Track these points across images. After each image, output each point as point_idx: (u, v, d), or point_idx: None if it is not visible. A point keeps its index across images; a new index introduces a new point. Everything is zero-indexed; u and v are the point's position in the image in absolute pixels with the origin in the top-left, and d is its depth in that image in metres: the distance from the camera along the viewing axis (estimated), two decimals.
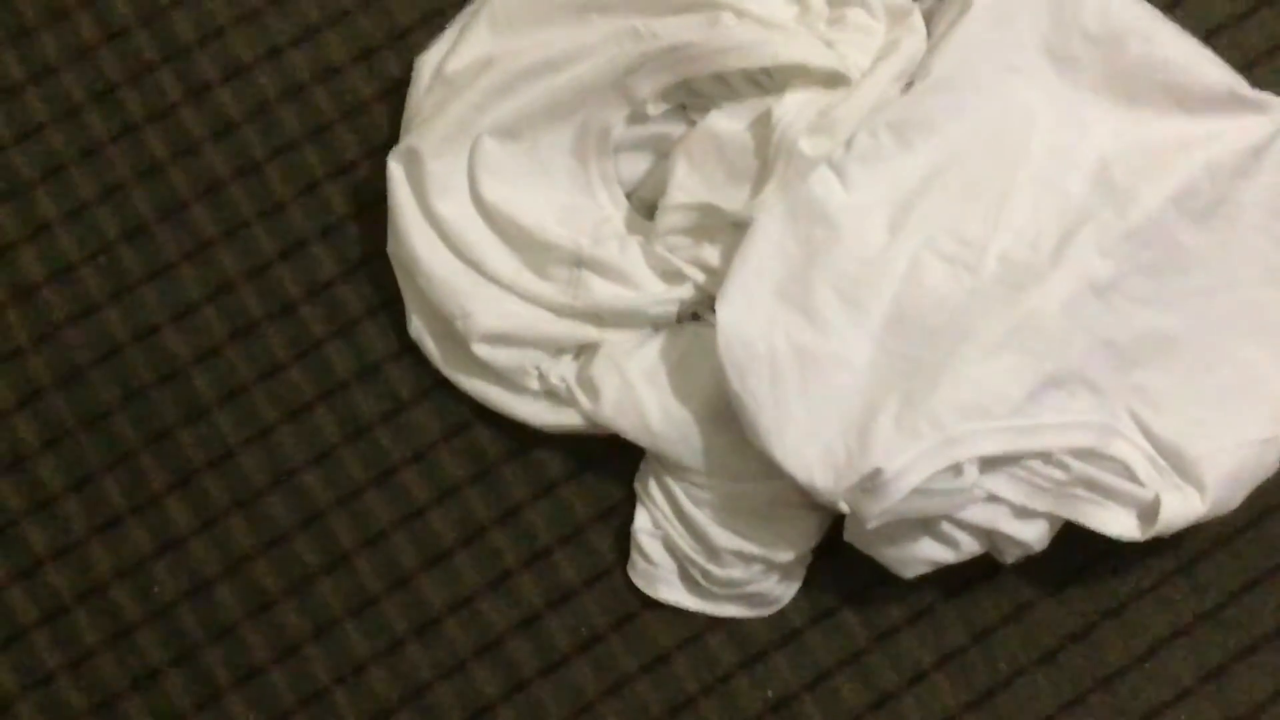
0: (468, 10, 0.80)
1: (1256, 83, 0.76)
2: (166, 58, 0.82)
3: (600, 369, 0.76)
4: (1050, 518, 0.73)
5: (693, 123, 0.77)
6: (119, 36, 0.82)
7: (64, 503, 0.77)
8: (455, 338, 0.76)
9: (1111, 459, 0.72)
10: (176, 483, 0.77)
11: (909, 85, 0.75)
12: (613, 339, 0.77)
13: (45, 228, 0.80)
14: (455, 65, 0.78)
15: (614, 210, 0.79)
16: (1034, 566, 0.75)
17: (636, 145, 0.78)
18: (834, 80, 0.75)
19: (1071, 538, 0.73)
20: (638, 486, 0.77)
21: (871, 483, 0.69)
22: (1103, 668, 0.76)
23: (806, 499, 0.73)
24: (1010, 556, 0.74)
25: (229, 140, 0.81)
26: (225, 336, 0.79)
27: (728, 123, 0.75)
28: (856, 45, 0.75)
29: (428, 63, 0.79)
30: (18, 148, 0.81)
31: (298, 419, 0.78)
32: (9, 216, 0.80)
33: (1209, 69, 0.75)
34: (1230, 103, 0.75)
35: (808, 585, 0.77)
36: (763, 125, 0.75)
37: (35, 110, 0.81)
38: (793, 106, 0.74)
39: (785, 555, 0.75)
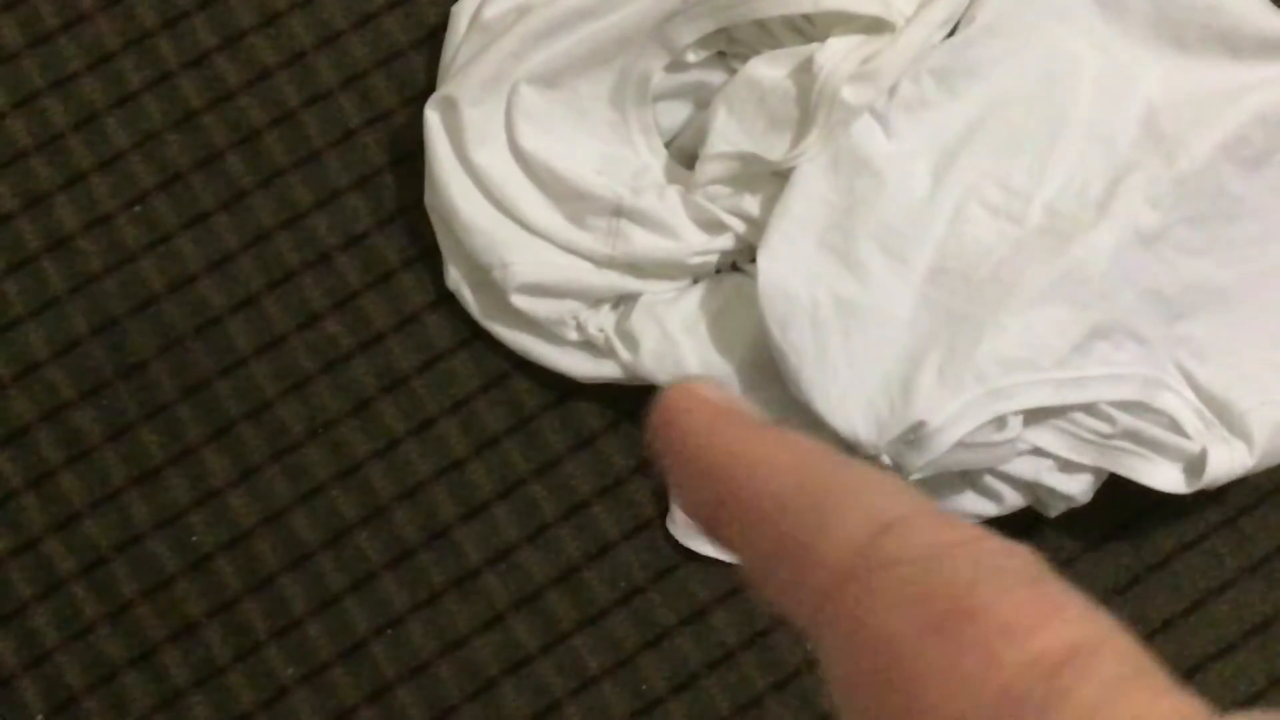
0: None
1: None
2: (202, 4, 0.81)
3: (639, 320, 0.75)
4: (1095, 471, 0.72)
5: (733, 71, 0.76)
6: None
7: (101, 453, 0.76)
8: (493, 288, 0.76)
9: (1158, 411, 0.71)
10: (214, 434, 0.76)
11: (953, 32, 0.74)
12: (652, 290, 0.76)
13: (80, 177, 0.79)
14: (492, 12, 0.77)
15: (653, 159, 0.78)
16: (1077, 520, 0.74)
17: (676, 93, 0.77)
18: (878, 26, 0.73)
19: (1115, 491, 0.72)
20: None
21: (914, 435, 0.68)
22: (1146, 622, 0.75)
23: (848, 452, 0.72)
24: (1054, 510, 0.73)
25: (264, 88, 0.80)
26: (262, 286, 0.78)
27: (768, 70, 0.74)
28: None
29: (464, 9, 0.78)
30: (53, 94, 0.80)
31: (335, 370, 0.77)
32: (44, 166, 0.79)
33: (1262, 14, 0.74)
34: None
35: None
36: (804, 73, 0.73)
37: (70, 58, 0.80)
38: (835, 53, 0.73)
39: None
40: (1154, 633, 0.75)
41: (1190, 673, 0.75)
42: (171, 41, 0.81)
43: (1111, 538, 0.76)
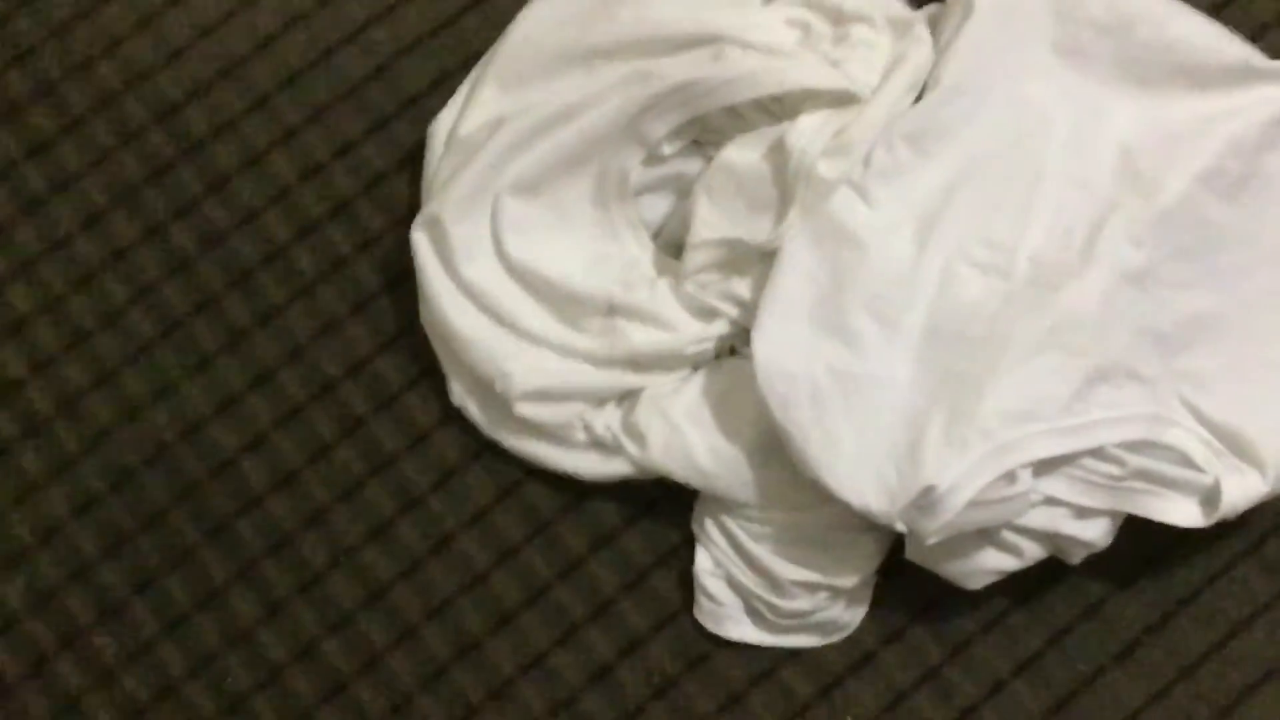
0: (474, 73, 0.80)
1: (1270, 50, 0.76)
2: (185, 152, 0.83)
3: (644, 414, 0.76)
4: (1111, 514, 0.72)
5: (709, 158, 0.77)
6: (135, 138, 0.83)
7: (130, 606, 0.77)
8: (497, 399, 0.76)
9: (1167, 447, 0.71)
10: (238, 573, 0.77)
11: (920, 96, 0.75)
12: (654, 383, 0.77)
13: (84, 337, 0.81)
14: (468, 127, 0.78)
15: (641, 254, 0.79)
16: (1102, 563, 0.74)
17: (656, 186, 0.78)
18: (844, 100, 0.74)
19: (1136, 530, 0.72)
20: (695, 527, 0.77)
21: (926, 500, 0.69)
22: (1183, 657, 0.75)
23: (864, 522, 0.72)
24: (1075, 557, 0.73)
25: (253, 228, 0.82)
26: (270, 423, 0.79)
27: (743, 154, 0.75)
28: (863, 62, 0.75)
29: (441, 128, 0.80)
30: (49, 258, 0.82)
31: (351, 497, 0.78)
32: (47, 329, 0.81)
33: (1221, 44, 0.75)
34: (1246, 76, 0.74)
35: (876, 606, 0.77)
36: (778, 153, 0.74)
37: (61, 220, 0.82)
38: (806, 130, 0.74)
39: (849, 580, 0.75)
40: (1192, 667, 0.75)
41: (1232, 704, 0.75)
42: (159, 191, 0.82)
43: (1138, 577, 0.76)
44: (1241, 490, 0.71)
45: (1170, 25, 0.75)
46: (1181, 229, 0.73)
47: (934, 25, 0.77)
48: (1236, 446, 0.72)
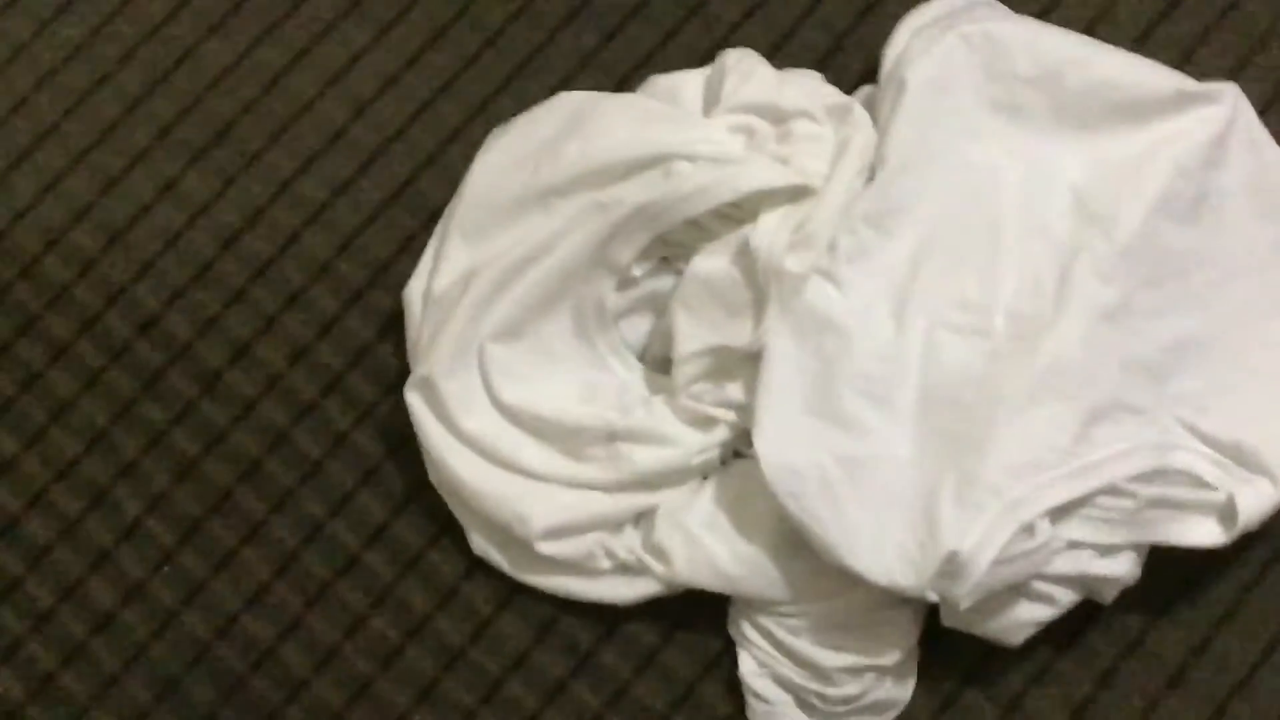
0: (437, 231, 0.82)
1: (1198, 70, 0.78)
2: (172, 359, 0.84)
3: (663, 531, 0.77)
4: (1134, 546, 0.73)
5: (679, 272, 0.78)
6: (123, 353, 0.85)
7: None
8: (518, 542, 0.77)
9: (1176, 472, 0.72)
10: None
11: (871, 175, 0.76)
12: (666, 499, 0.78)
13: (104, 555, 0.82)
14: (441, 285, 0.79)
15: (630, 377, 0.80)
16: (1133, 598, 0.74)
17: (633, 309, 0.80)
18: (799, 193, 0.76)
19: (1163, 559, 0.73)
20: (733, 631, 0.78)
21: (951, 567, 0.69)
22: (1233, 673, 0.76)
23: (896, 598, 0.73)
24: (1108, 595, 0.74)
25: (252, 420, 0.83)
26: (302, 606, 0.80)
27: (712, 263, 0.77)
28: (810, 154, 0.77)
29: (415, 291, 0.81)
30: (60, 485, 0.83)
31: (392, 665, 0.79)
32: (68, 554, 0.82)
33: (1150, 75, 0.77)
34: (1180, 101, 0.75)
35: (924, 677, 0.77)
36: (745, 255, 0.76)
37: (66, 446, 0.84)
38: (768, 229, 0.75)
39: (892, 657, 0.75)
40: (1243, 682, 0.76)
41: None
42: (154, 401, 0.84)
43: (1172, 603, 0.77)
44: (1256, 500, 0.72)
45: (1096, 67, 0.76)
46: (1146, 259, 0.74)
47: (869, 105, 0.79)
48: (1242, 459, 0.73)
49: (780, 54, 0.86)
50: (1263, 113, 0.77)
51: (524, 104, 0.83)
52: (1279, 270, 0.76)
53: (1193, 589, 0.77)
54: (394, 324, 0.83)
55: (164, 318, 0.85)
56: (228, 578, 0.81)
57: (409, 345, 0.81)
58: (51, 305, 0.86)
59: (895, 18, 0.81)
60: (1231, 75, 0.83)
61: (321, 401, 0.83)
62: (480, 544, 0.79)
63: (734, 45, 0.82)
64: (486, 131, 0.82)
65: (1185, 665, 0.76)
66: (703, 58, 0.86)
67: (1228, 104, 0.75)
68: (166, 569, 0.81)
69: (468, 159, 0.81)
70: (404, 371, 0.81)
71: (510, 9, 0.89)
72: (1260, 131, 0.77)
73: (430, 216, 0.85)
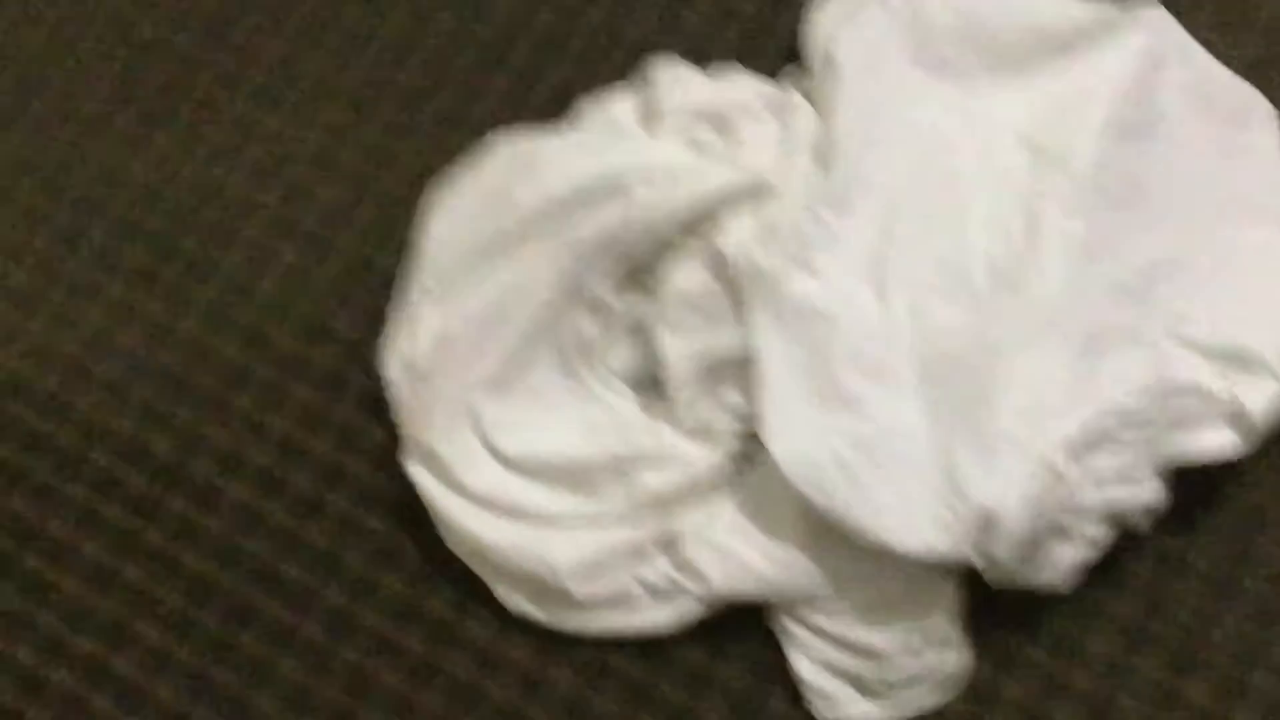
0: (402, 300, 0.81)
1: None
2: (163, 483, 0.83)
3: (692, 549, 0.77)
4: (1156, 469, 0.74)
5: (653, 291, 0.78)
6: (113, 486, 0.84)
7: None
8: (551, 591, 0.77)
9: (1180, 387, 0.73)
10: None
11: (822, 160, 0.77)
12: (688, 518, 0.78)
13: (137, 692, 0.80)
14: (419, 350, 0.79)
15: (625, 405, 0.80)
16: (1168, 525, 0.76)
17: (615, 337, 0.80)
18: (757, 190, 0.77)
19: (1186, 483, 0.75)
20: (780, 635, 0.78)
21: (985, 523, 0.70)
22: (1272, 565, 0.77)
23: (935, 568, 0.74)
24: (1144, 523, 0.75)
25: (257, 525, 0.83)
26: (348, 702, 0.79)
27: (685, 277, 0.77)
28: (759, 148, 0.78)
29: (393, 362, 0.80)
30: (76, 634, 0.81)
31: None
32: (100, 700, 0.80)
33: (1071, 8, 0.78)
34: (1104, 28, 0.77)
35: (979, 643, 0.77)
36: (717, 261, 0.76)
37: (75, 592, 0.82)
38: (734, 232, 0.76)
39: (943, 626, 0.76)
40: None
41: None
42: (155, 527, 0.83)
43: (1205, 519, 0.78)
44: (1263, 397, 0.74)
45: (1016, 10, 0.78)
46: (1106, 186, 0.75)
47: (800, 85, 0.80)
48: (1241, 360, 0.74)
49: (698, 58, 0.86)
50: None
51: (459, 160, 0.83)
52: (1231, 174, 0.78)
53: (1220, 500, 0.78)
54: (377, 402, 0.83)
55: (146, 443, 0.84)
56: (267, 690, 0.80)
57: (398, 418, 0.80)
58: (30, 451, 0.85)
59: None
60: None
61: (323, 493, 0.83)
62: (513, 600, 0.79)
63: (649, 60, 0.83)
64: (427, 194, 0.82)
65: (1233, 576, 0.77)
66: (625, 77, 0.86)
67: (1155, 23, 0.77)
68: (203, 690, 0.80)
69: (415, 224, 0.81)
70: (397, 446, 0.80)
71: (422, 68, 0.90)
72: (1189, 42, 0.79)
73: (389, 287, 0.84)
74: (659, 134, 0.79)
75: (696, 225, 0.77)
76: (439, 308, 0.79)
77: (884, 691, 0.76)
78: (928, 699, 0.77)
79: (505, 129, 0.87)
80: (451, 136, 0.88)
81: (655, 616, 0.78)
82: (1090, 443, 0.72)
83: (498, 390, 0.78)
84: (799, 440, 0.74)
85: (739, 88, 0.80)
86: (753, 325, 0.75)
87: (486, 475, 0.78)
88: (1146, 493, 0.74)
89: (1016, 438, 0.71)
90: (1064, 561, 0.74)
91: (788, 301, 0.75)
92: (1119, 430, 0.72)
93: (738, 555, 0.76)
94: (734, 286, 0.76)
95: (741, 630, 0.79)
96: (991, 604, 0.76)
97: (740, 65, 0.83)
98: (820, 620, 0.76)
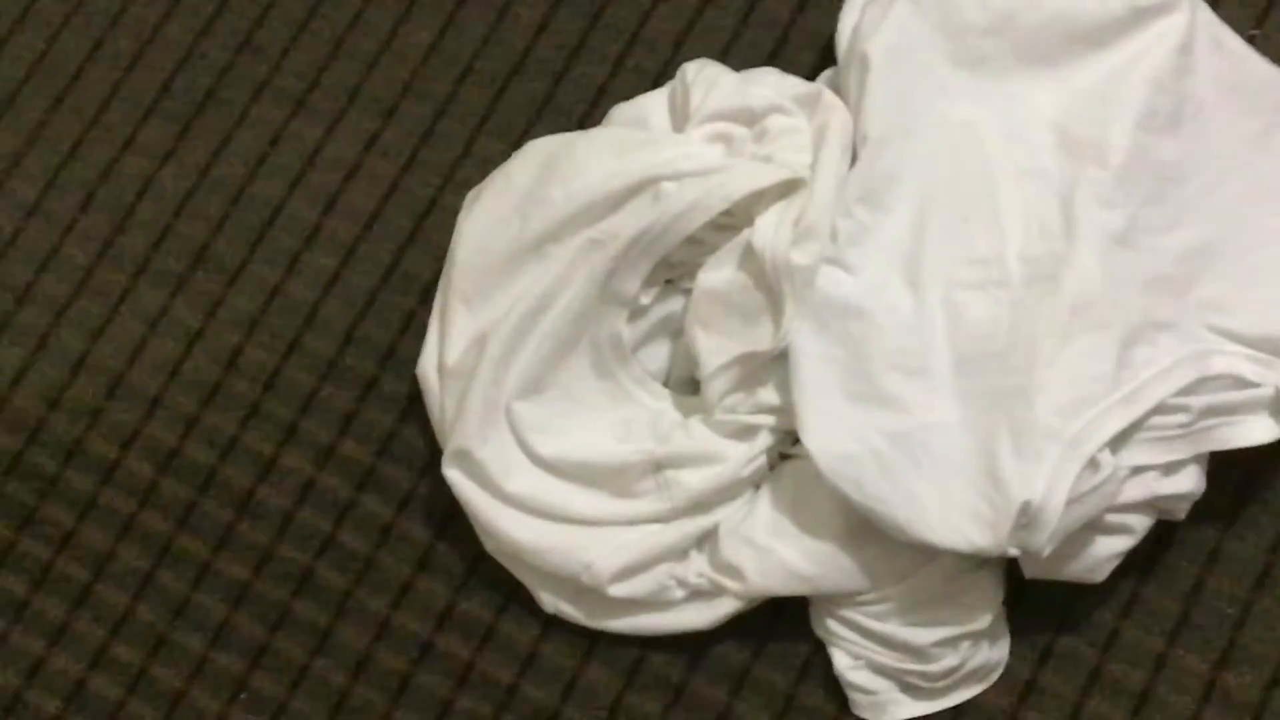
0: (436, 304, 0.82)
1: None
2: (199, 489, 0.85)
3: (730, 548, 0.77)
4: (1196, 460, 0.74)
5: (686, 291, 0.79)
6: (150, 493, 0.85)
7: None
8: (589, 592, 0.78)
9: (1219, 377, 0.73)
10: None
11: (854, 155, 0.77)
12: (725, 516, 0.78)
13: (179, 699, 0.81)
14: (454, 355, 0.80)
15: (661, 404, 0.80)
16: (1204, 511, 0.76)
17: (649, 336, 0.81)
18: (789, 188, 0.77)
19: (1223, 467, 0.75)
20: (819, 631, 0.78)
21: (1026, 518, 0.70)
22: None
23: (974, 561, 0.74)
24: (1180, 512, 0.75)
25: (296, 529, 0.83)
26: (387, 705, 0.80)
27: (719, 275, 0.77)
28: (790, 146, 0.78)
29: (428, 367, 0.81)
30: (116, 641, 0.82)
31: None
32: (141, 707, 0.82)
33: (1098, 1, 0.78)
34: (1138, 17, 0.77)
35: (1017, 634, 0.78)
36: (751, 260, 0.76)
37: (114, 600, 0.83)
38: (768, 229, 0.76)
39: (983, 620, 0.76)
40: None
41: None
42: (192, 535, 0.84)
43: (1240, 507, 0.78)
44: None
45: (1046, 2, 0.77)
46: (1142, 177, 0.75)
47: (834, 87, 0.80)
48: (1277, 348, 0.74)
49: (729, 59, 0.86)
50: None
51: (489, 164, 0.84)
52: (1264, 161, 0.78)
53: (1259, 489, 0.79)
54: (413, 406, 0.84)
55: (183, 450, 0.85)
56: (306, 693, 0.81)
57: (434, 422, 0.81)
58: (69, 461, 0.86)
59: (834, 2, 0.82)
60: None
61: (359, 497, 0.83)
62: (551, 601, 0.79)
63: (680, 61, 0.83)
64: (459, 198, 0.83)
65: (1268, 565, 0.77)
66: (655, 79, 0.88)
67: (1185, 10, 0.76)
68: (244, 696, 0.81)
69: (448, 228, 0.82)
70: (433, 450, 0.81)
71: (454, 73, 0.90)
72: (1221, 29, 0.79)
73: (423, 292, 0.86)
74: (690, 133, 0.79)
75: (728, 224, 0.77)
76: (472, 312, 0.80)
77: (925, 687, 0.77)
78: (967, 692, 0.77)
79: (535, 132, 0.88)
80: (481, 140, 0.89)
81: (693, 616, 0.78)
82: (1130, 434, 0.72)
83: (533, 393, 0.79)
84: (836, 437, 0.74)
85: (770, 86, 0.79)
86: (788, 322, 0.75)
87: (523, 478, 0.78)
88: (1186, 482, 0.74)
89: (1056, 431, 0.71)
90: (1103, 553, 0.74)
91: (823, 298, 0.75)
92: (1159, 421, 0.72)
93: (776, 554, 0.76)
94: (768, 284, 0.76)
95: (782, 629, 0.79)
96: (1031, 596, 0.76)
97: (771, 66, 0.82)
98: (860, 618, 0.76)
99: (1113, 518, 0.74)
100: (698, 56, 0.83)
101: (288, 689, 0.81)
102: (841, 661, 0.77)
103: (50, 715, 0.82)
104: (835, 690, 0.78)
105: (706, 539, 0.78)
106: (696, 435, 0.78)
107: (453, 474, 0.79)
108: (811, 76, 0.82)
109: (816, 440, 0.74)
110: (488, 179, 0.82)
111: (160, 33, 0.93)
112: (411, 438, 0.84)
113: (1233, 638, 0.77)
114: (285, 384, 0.86)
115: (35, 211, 0.90)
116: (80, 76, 0.92)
